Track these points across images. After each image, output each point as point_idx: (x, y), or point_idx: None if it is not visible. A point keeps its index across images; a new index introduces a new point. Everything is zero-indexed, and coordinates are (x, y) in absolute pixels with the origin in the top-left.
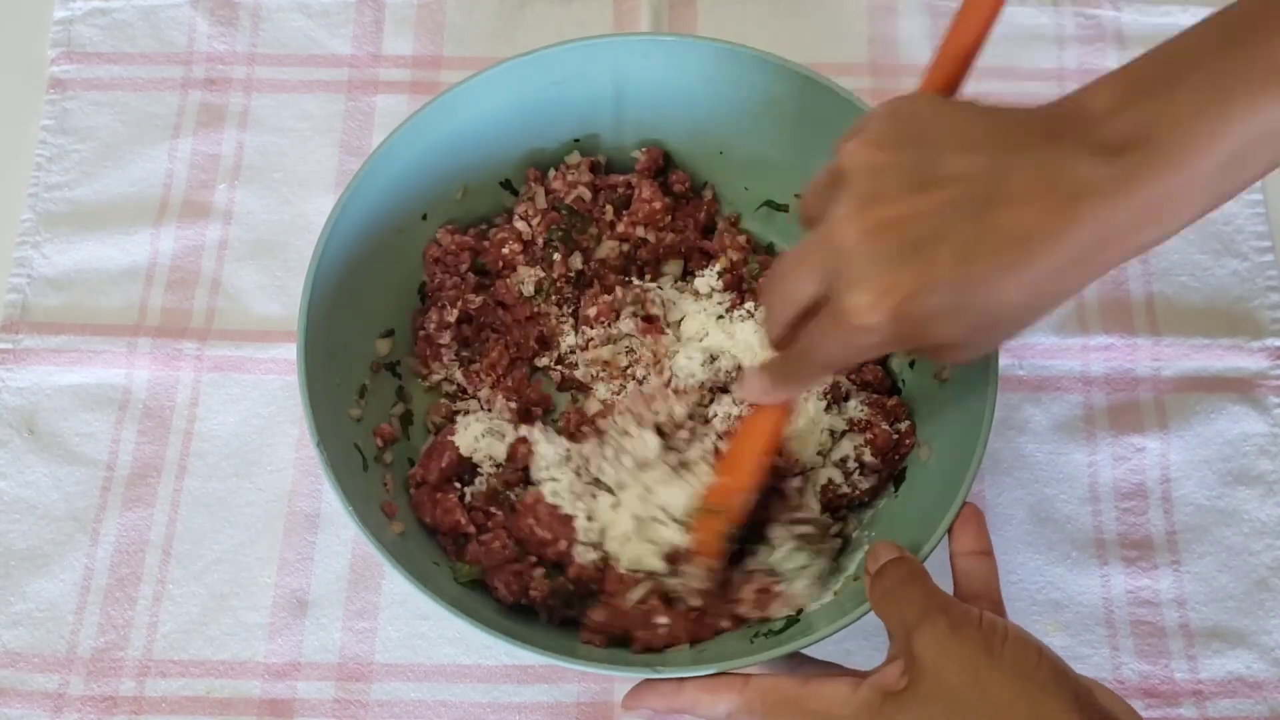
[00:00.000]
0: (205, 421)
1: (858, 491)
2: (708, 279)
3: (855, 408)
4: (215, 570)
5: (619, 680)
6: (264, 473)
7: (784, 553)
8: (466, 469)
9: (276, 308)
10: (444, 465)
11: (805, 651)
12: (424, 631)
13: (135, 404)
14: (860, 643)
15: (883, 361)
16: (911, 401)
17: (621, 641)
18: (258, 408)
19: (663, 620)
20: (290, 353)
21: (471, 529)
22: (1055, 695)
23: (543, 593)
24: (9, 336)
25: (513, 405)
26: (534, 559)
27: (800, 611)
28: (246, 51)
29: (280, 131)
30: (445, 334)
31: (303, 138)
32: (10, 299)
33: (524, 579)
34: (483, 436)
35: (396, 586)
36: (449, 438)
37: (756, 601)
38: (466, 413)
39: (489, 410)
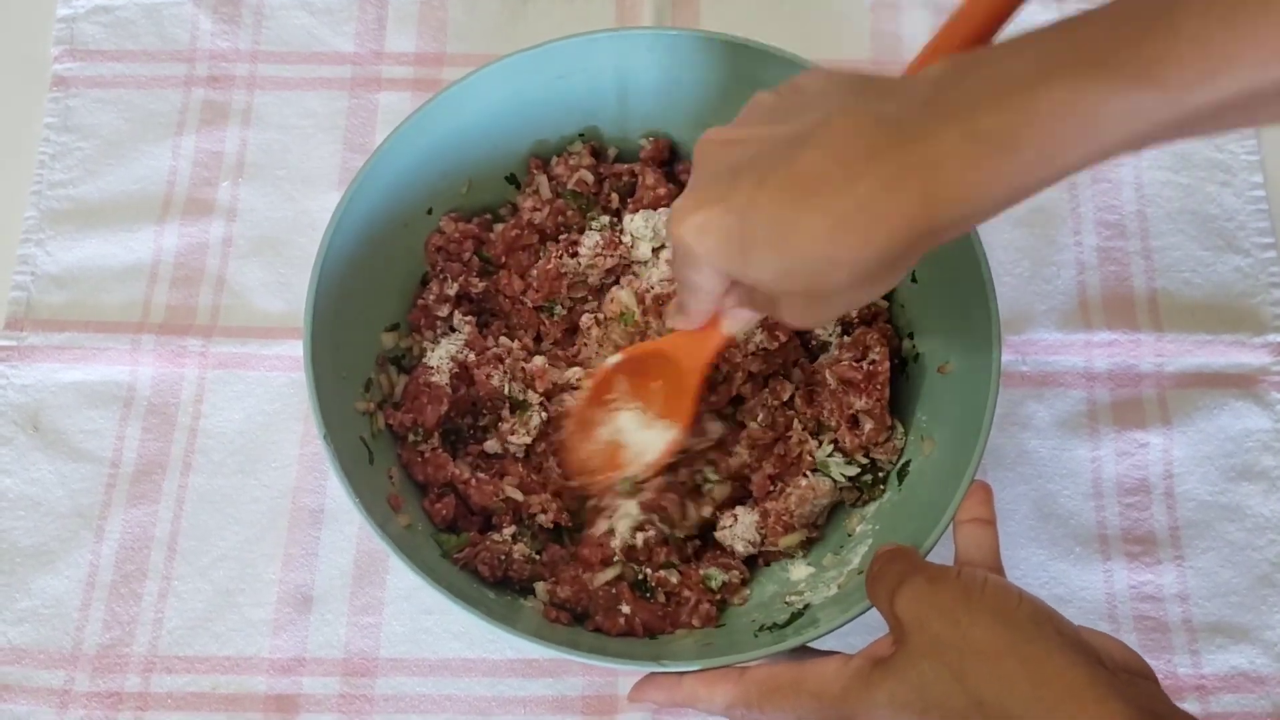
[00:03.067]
0: (210, 418)
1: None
2: None
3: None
4: (220, 566)
5: (623, 674)
6: (269, 469)
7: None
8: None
9: (280, 304)
10: (440, 413)
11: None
12: (429, 626)
13: (140, 401)
14: (865, 636)
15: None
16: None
17: (579, 620)
18: (262, 404)
19: (625, 609)
20: (295, 349)
21: (467, 477)
22: (1038, 635)
23: (522, 574)
24: (13, 334)
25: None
26: (512, 522)
27: (806, 606)
28: (249, 49)
29: (283, 128)
30: (444, 306)
31: (306, 135)
32: (14, 296)
33: (503, 553)
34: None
35: (401, 581)
36: (427, 378)
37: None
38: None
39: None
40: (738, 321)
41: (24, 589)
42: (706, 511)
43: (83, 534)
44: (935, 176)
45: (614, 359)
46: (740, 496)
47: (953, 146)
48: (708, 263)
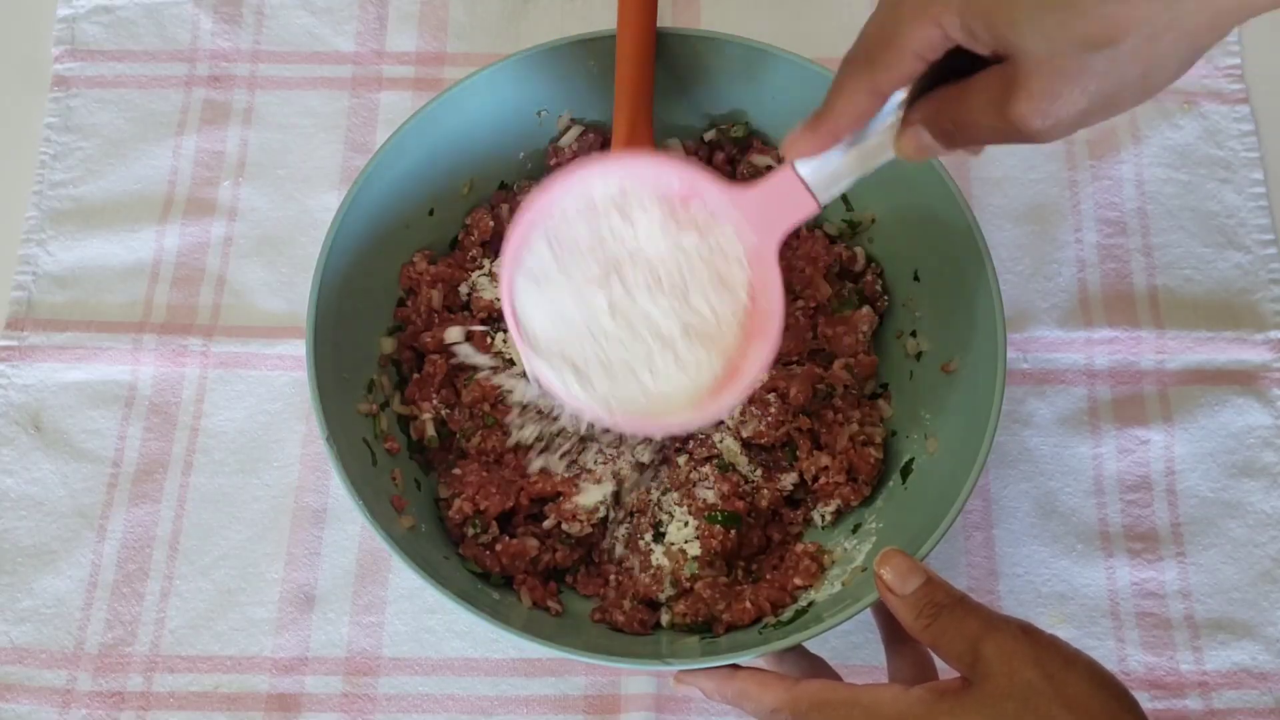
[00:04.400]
0: (211, 418)
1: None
2: None
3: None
4: (222, 566)
5: (625, 673)
6: (270, 468)
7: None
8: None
9: (282, 304)
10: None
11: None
12: (431, 625)
13: (141, 400)
14: (867, 635)
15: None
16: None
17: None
18: (264, 404)
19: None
20: (296, 349)
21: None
22: (1132, 709)
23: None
24: (14, 334)
25: None
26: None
27: (810, 603)
28: (250, 48)
29: (284, 128)
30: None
31: (307, 134)
32: (15, 296)
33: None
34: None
35: (403, 581)
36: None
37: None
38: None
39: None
40: (917, 144)
41: (26, 589)
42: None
43: (84, 534)
44: None
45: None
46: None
47: None
48: (971, 18)
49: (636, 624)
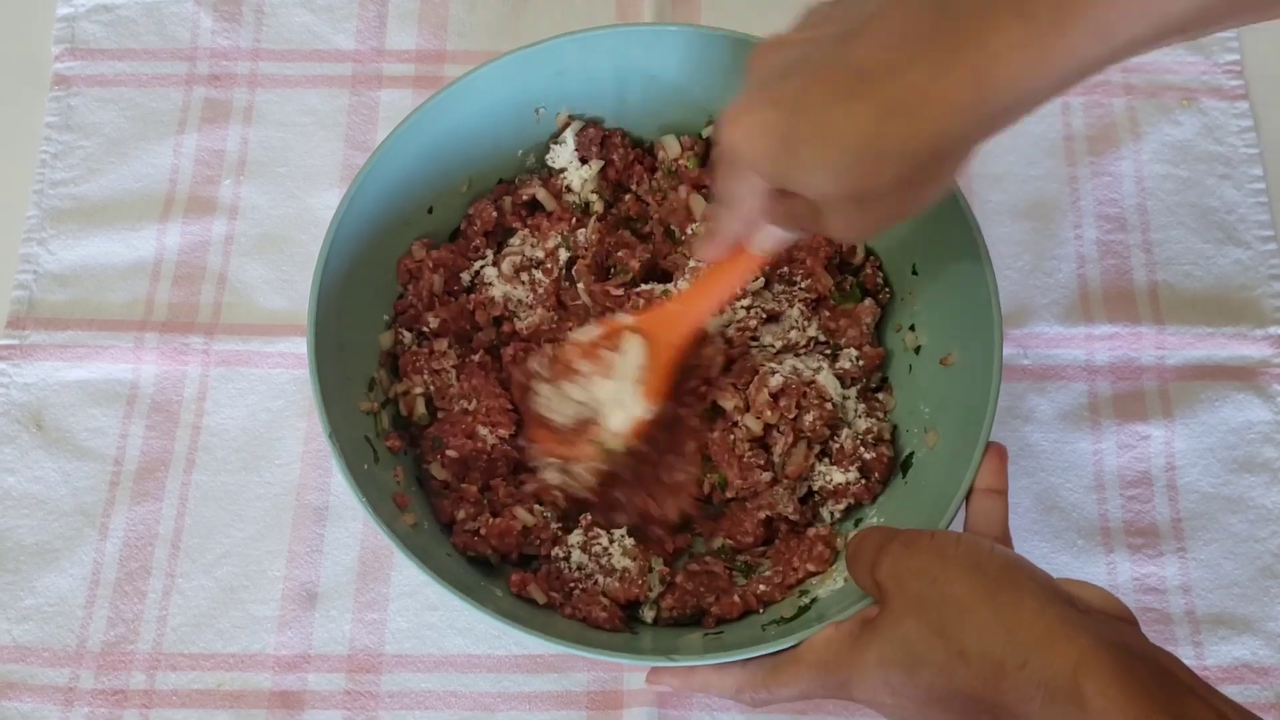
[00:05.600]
0: (213, 416)
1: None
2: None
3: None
4: (224, 564)
5: (628, 669)
6: (272, 466)
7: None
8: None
9: (283, 302)
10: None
11: None
12: (433, 622)
13: (143, 399)
14: None
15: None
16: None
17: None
18: (265, 401)
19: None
20: (297, 346)
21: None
22: (1010, 583)
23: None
24: (16, 333)
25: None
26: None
27: (813, 600)
28: (250, 47)
29: (285, 126)
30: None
31: (307, 132)
32: (17, 295)
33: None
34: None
35: (405, 578)
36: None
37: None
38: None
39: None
40: (769, 239)
41: (28, 587)
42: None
43: (86, 532)
44: (986, 57)
45: (587, 331)
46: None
47: (1004, 25)
48: (755, 166)
49: (616, 620)
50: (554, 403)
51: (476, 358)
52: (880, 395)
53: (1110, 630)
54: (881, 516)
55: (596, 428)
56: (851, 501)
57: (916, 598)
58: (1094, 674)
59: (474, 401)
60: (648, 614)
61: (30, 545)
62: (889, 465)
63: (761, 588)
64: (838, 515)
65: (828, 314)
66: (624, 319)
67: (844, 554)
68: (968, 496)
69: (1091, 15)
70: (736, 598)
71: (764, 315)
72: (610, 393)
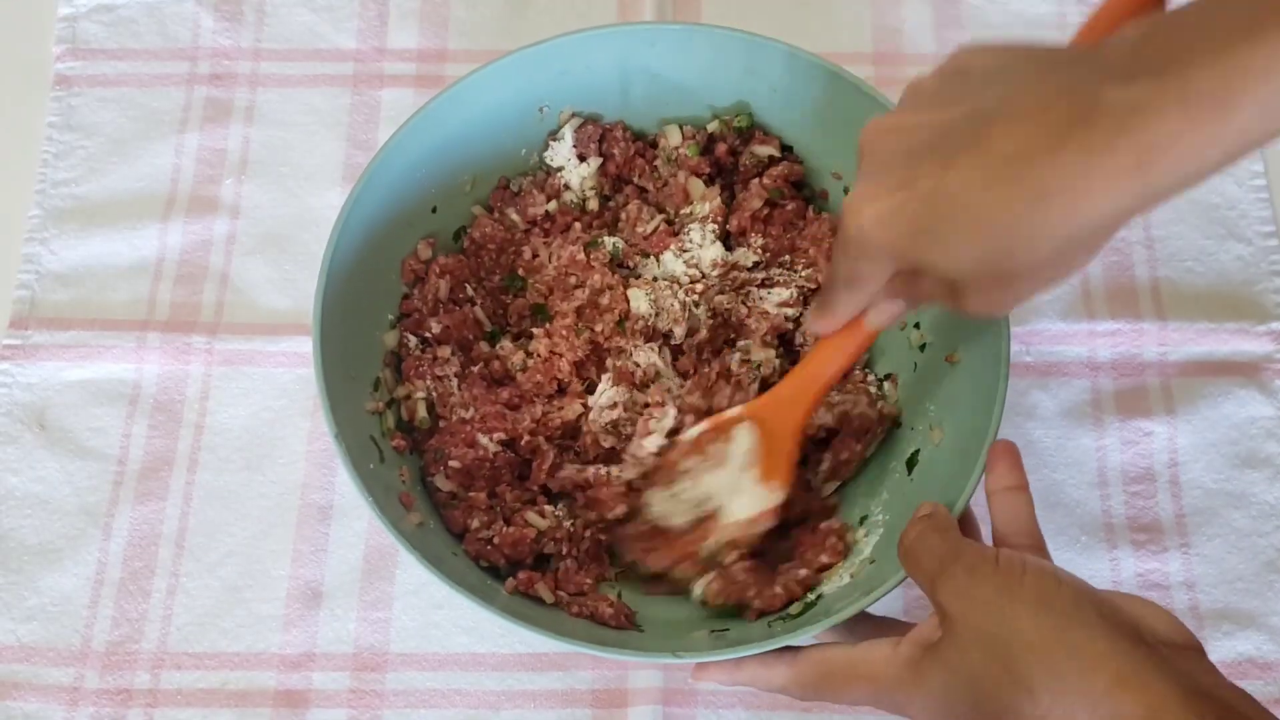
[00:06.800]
0: (216, 415)
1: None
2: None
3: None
4: (228, 563)
5: (632, 666)
6: (276, 465)
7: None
8: None
9: (285, 301)
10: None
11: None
12: (438, 621)
13: (145, 398)
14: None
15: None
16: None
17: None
18: (268, 401)
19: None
20: (300, 345)
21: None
22: (1079, 620)
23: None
24: (18, 333)
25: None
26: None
27: (819, 596)
28: (251, 46)
29: (286, 126)
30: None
31: (309, 132)
32: (19, 295)
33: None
34: None
35: (410, 576)
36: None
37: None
38: None
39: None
40: (884, 314)
41: (32, 587)
42: None
43: (90, 532)
44: (1149, 141)
45: (696, 430)
46: None
47: (1166, 108)
48: (889, 252)
49: (623, 618)
50: (666, 511)
51: (477, 369)
52: (885, 386)
53: (1182, 670)
54: (888, 514)
55: (714, 523)
56: (833, 461)
57: (983, 631)
58: None
59: (471, 410)
60: (696, 592)
61: (34, 545)
62: (874, 422)
63: (802, 571)
64: (823, 475)
65: None
66: (732, 413)
67: (854, 546)
68: (989, 494)
69: (1259, 97)
70: (779, 588)
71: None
72: (724, 481)
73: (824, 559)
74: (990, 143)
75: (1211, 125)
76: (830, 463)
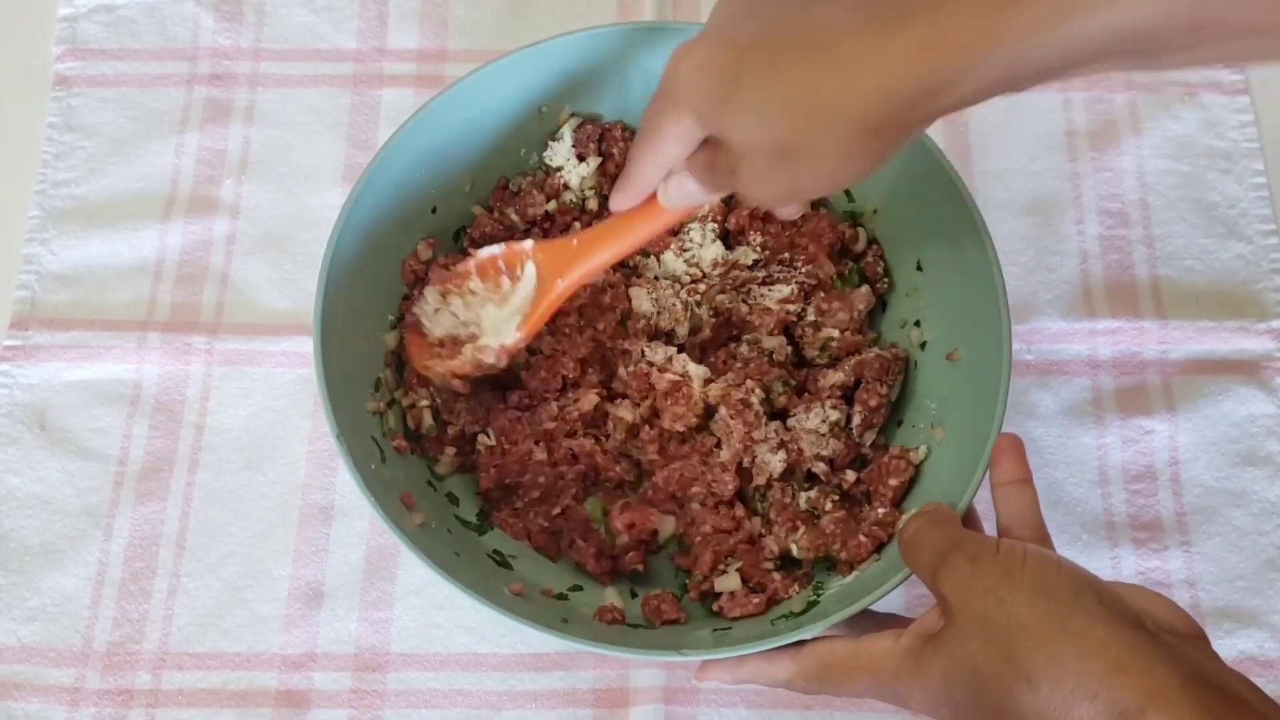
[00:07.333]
0: (216, 415)
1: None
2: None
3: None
4: (229, 563)
5: (634, 666)
6: (276, 465)
7: None
8: None
9: (286, 301)
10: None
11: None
12: (440, 621)
13: (146, 399)
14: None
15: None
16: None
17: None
18: (269, 401)
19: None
20: (300, 345)
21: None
22: (1080, 607)
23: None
24: (18, 333)
25: None
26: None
27: (820, 597)
28: (251, 47)
29: (286, 126)
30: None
31: (309, 132)
32: (19, 296)
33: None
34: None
35: (411, 576)
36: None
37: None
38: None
39: None
40: (681, 193)
41: (33, 588)
42: None
43: (91, 532)
44: (935, 29)
45: (491, 250)
46: None
47: (951, 3)
48: (691, 102)
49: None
50: (433, 314)
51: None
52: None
53: (1183, 657)
54: (945, 427)
55: (467, 347)
56: (844, 378)
57: (983, 619)
58: (1165, 708)
59: (493, 436)
60: (794, 549)
61: (34, 546)
62: (889, 363)
63: (880, 510)
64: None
65: (822, 295)
66: (526, 244)
67: (920, 466)
68: (994, 487)
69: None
70: (863, 536)
71: (764, 278)
72: (493, 321)
73: (893, 481)
74: (806, 14)
75: (1000, 17)
76: (862, 413)
